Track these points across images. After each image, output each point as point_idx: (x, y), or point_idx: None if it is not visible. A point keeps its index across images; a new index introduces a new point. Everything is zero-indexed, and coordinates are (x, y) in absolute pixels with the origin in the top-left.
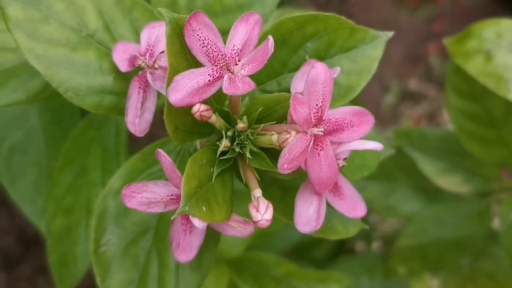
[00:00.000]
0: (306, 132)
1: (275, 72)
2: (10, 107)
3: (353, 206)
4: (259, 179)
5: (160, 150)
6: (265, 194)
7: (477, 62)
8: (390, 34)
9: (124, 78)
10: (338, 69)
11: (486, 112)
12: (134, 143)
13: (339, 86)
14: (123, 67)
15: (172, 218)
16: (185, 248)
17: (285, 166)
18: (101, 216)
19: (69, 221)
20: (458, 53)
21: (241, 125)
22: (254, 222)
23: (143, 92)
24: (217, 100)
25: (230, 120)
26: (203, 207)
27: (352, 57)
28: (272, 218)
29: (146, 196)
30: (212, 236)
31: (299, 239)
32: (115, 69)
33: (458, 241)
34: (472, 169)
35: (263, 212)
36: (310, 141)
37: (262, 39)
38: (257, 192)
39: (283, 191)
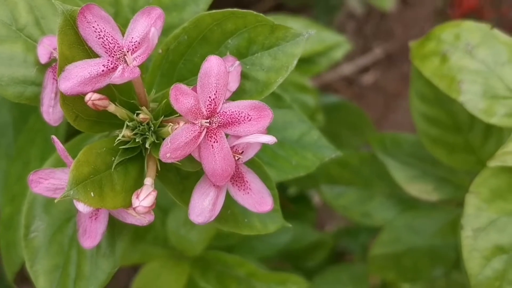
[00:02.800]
0: (193, 123)
1: (197, 69)
2: None
3: (259, 201)
4: (159, 169)
5: (54, 136)
6: (184, 188)
7: (432, 63)
8: (312, 32)
9: None
10: (236, 62)
11: (451, 117)
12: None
13: (257, 82)
14: (43, 59)
15: (55, 201)
16: (91, 234)
17: (168, 155)
18: (31, 203)
19: (13, 209)
20: (417, 55)
21: (141, 115)
22: (133, 208)
23: (57, 83)
24: (123, 92)
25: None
26: (92, 193)
27: (273, 54)
28: (152, 206)
29: (52, 183)
30: (124, 226)
31: (287, 246)
32: (38, 61)
33: (432, 250)
34: (444, 177)
35: (142, 198)
36: (199, 132)
37: (179, 35)
38: (147, 181)
39: None
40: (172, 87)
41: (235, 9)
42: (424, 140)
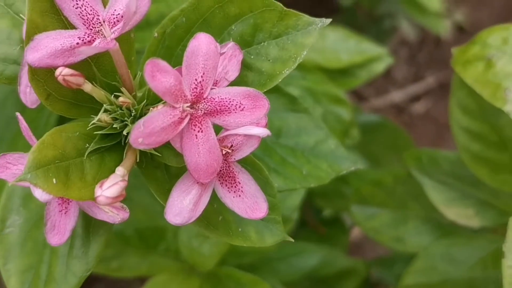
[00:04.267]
0: (173, 107)
1: None
2: None
3: (251, 206)
4: (138, 161)
5: (18, 113)
6: (171, 187)
7: (476, 69)
8: (327, 21)
9: None
10: (230, 43)
11: (495, 132)
12: None
13: (261, 74)
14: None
15: (9, 184)
16: (59, 230)
17: (140, 140)
18: (9, 195)
19: None
20: (459, 61)
21: (121, 99)
22: (95, 198)
23: None
24: (106, 73)
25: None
26: (54, 179)
27: (281, 44)
28: (117, 198)
29: (21, 169)
30: (101, 225)
31: (314, 271)
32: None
33: (471, 283)
34: (486, 200)
35: (105, 187)
36: (180, 118)
37: (177, 17)
38: (118, 170)
39: None
40: (147, 61)
41: None
42: (465, 157)
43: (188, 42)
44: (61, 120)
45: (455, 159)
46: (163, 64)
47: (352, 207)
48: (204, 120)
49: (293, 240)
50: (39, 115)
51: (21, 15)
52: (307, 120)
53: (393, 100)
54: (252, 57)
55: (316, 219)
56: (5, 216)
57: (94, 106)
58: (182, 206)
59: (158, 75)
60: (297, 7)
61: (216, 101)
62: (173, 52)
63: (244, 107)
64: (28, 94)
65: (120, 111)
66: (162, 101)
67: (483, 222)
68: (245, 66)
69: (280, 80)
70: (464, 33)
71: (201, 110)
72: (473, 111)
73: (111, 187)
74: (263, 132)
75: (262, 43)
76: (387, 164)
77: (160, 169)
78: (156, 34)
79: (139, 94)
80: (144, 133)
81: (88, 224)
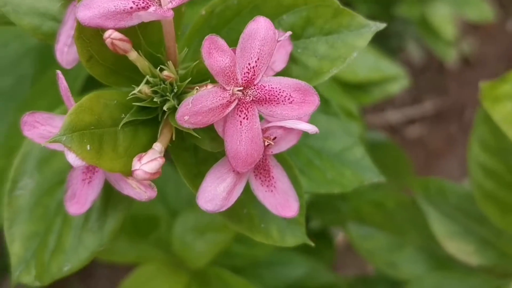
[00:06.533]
0: (224, 89)
1: None
2: (8, 53)
3: (282, 203)
4: (174, 139)
5: (59, 72)
6: (199, 172)
7: (505, 108)
8: (381, 25)
9: None
10: (288, 33)
11: (511, 172)
12: None
13: (307, 69)
14: None
15: (42, 145)
16: (80, 199)
17: (186, 118)
18: (25, 157)
19: (8, 162)
20: (488, 97)
21: (165, 72)
22: (132, 172)
23: None
24: (151, 44)
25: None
26: (88, 146)
27: (331, 42)
28: (154, 174)
29: (49, 130)
30: (121, 200)
31: (298, 282)
32: None
33: None
34: (488, 239)
35: (144, 162)
36: (228, 101)
37: None
38: (156, 146)
39: None
40: (206, 37)
41: None
42: (476, 193)
43: (235, 24)
44: (85, 87)
45: (463, 194)
46: (222, 42)
47: (349, 224)
48: (251, 107)
49: (313, 245)
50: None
51: None
52: (336, 124)
53: (389, 119)
54: (299, 50)
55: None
56: (17, 177)
57: (132, 75)
58: (215, 192)
59: (215, 53)
60: None
61: (266, 89)
62: (218, 32)
63: (293, 100)
64: (66, 54)
65: (163, 85)
66: (206, 81)
67: (481, 261)
68: (291, 58)
69: (326, 78)
70: (468, 65)
71: (249, 97)
72: (492, 148)
73: (150, 162)
74: (311, 128)
75: (311, 38)
76: (384, 186)
77: (189, 152)
78: (203, 12)
79: (181, 71)
80: (191, 111)
81: (108, 198)
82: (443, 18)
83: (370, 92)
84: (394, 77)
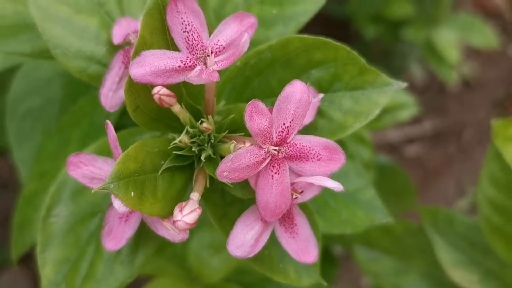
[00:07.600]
0: (261, 147)
1: (271, 92)
2: (40, 75)
3: (303, 249)
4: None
5: (108, 121)
6: (225, 213)
7: None
8: (403, 84)
9: None
10: (319, 96)
11: None
12: None
13: (332, 122)
14: (117, 39)
15: (92, 191)
16: (116, 236)
17: (225, 174)
18: (61, 186)
19: (39, 186)
20: (500, 136)
21: (204, 124)
22: (173, 221)
23: (124, 68)
24: (191, 95)
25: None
26: (132, 193)
27: (355, 97)
28: (193, 224)
29: (92, 170)
30: (152, 237)
31: None
32: (110, 42)
33: None
34: (492, 270)
35: (185, 213)
36: (263, 158)
37: (264, 51)
38: (194, 195)
39: None
40: (250, 102)
41: (328, 39)
42: (484, 226)
43: (267, 76)
44: (118, 123)
45: (471, 225)
46: (262, 106)
47: (357, 247)
48: (282, 163)
49: (326, 284)
50: (95, 112)
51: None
52: (350, 166)
53: (388, 137)
54: (325, 103)
55: None
56: (53, 205)
57: (170, 123)
58: (244, 239)
59: (256, 116)
60: (315, 26)
61: (297, 147)
62: (250, 82)
63: (321, 157)
64: (110, 98)
65: (202, 136)
66: (239, 134)
67: None
68: (317, 111)
69: (350, 133)
70: (468, 87)
71: (282, 153)
72: (501, 184)
73: (190, 214)
74: (337, 186)
75: (337, 92)
76: (386, 208)
77: (217, 193)
78: (238, 63)
79: (216, 118)
80: (231, 168)
81: (140, 234)
82: (448, 43)
83: (381, 119)
84: (405, 105)
